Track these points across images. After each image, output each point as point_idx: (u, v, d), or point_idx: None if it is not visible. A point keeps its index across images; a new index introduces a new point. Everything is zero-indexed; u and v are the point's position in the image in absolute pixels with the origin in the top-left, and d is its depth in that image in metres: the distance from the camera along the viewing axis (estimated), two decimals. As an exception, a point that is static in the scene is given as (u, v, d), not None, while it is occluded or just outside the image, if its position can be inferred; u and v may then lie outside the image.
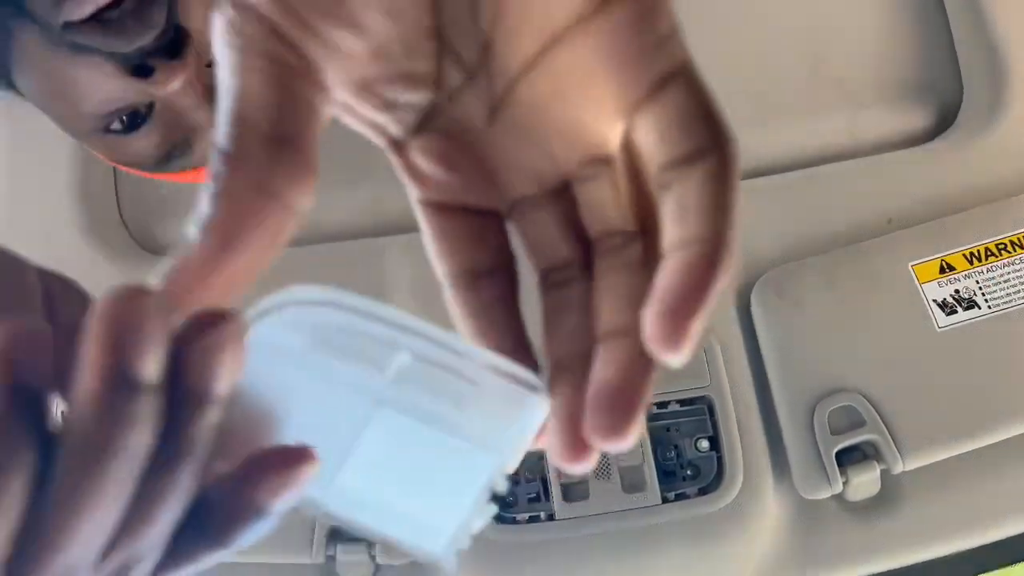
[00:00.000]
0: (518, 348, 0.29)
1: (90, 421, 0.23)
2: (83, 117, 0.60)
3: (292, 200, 0.25)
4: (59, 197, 0.90)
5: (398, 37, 0.27)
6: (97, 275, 0.90)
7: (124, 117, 0.60)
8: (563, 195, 0.29)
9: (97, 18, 0.54)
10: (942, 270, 0.87)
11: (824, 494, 0.82)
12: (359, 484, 0.28)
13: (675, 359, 0.24)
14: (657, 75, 0.26)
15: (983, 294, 0.86)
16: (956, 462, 0.82)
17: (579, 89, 0.27)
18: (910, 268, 0.87)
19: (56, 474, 0.23)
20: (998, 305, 0.86)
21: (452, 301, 0.30)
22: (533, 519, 0.80)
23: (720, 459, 0.82)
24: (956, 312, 0.86)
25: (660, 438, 0.83)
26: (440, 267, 0.30)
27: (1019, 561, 0.84)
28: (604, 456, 0.81)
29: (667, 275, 0.25)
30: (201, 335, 0.24)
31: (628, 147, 0.28)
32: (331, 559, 0.80)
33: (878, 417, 0.82)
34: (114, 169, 0.93)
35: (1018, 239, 0.88)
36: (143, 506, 0.24)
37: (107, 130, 0.61)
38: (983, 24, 0.94)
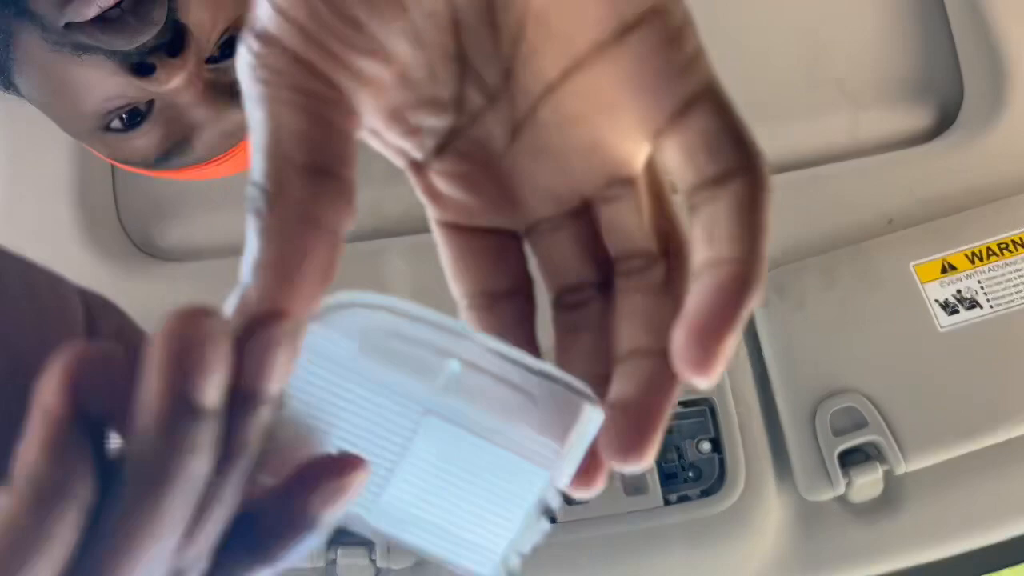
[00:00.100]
0: None
1: (152, 449, 0.22)
2: (83, 116, 0.60)
3: (338, 229, 0.25)
4: (57, 199, 0.90)
5: (423, 63, 0.27)
6: (95, 277, 0.90)
7: (124, 115, 0.60)
8: (581, 216, 0.29)
9: (98, 17, 0.54)
10: (944, 270, 0.87)
11: (826, 495, 0.81)
12: (406, 499, 0.27)
13: (704, 381, 0.24)
14: (683, 98, 0.25)
15: (985, 294, 0.86)
16: (959, 463, 0.82)
17: (603, 112, 0.27)
18: (911, 268, 0.87)
19: (116, 504, 0.22)
20: (1000, 305, 0.85)
21: (469, 322, 0.30)
22: (534, 522, 0.79)
23: (722, 461, 0.82)
24: (958, 312, 0.85)
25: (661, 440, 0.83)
26: (457, 288, 0.30)
27: (1022, 562, 0.84)
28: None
29: (697, 296, 0.24)
30: (255, 333, 0.23)
31: (651, 168, 0.28)
32: (332, 564, 0.80)
33: (880, 418, 0.81)
34: (112, 171, 0.93)
35: (1020, 238, 0.88)
36: (191, 519, 0.24)
37: (107, 128, 0.61)
38: (983, 23, 0.94)
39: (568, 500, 0.78)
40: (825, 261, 0.88)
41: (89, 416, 0.23)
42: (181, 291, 0.92)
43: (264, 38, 0.25)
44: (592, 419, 0.26)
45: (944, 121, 0.97)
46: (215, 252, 0.94)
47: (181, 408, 0.22)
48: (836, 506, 0.83)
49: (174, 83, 0.57)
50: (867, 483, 0.81)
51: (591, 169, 0.28)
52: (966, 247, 0.88)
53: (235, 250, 1.04)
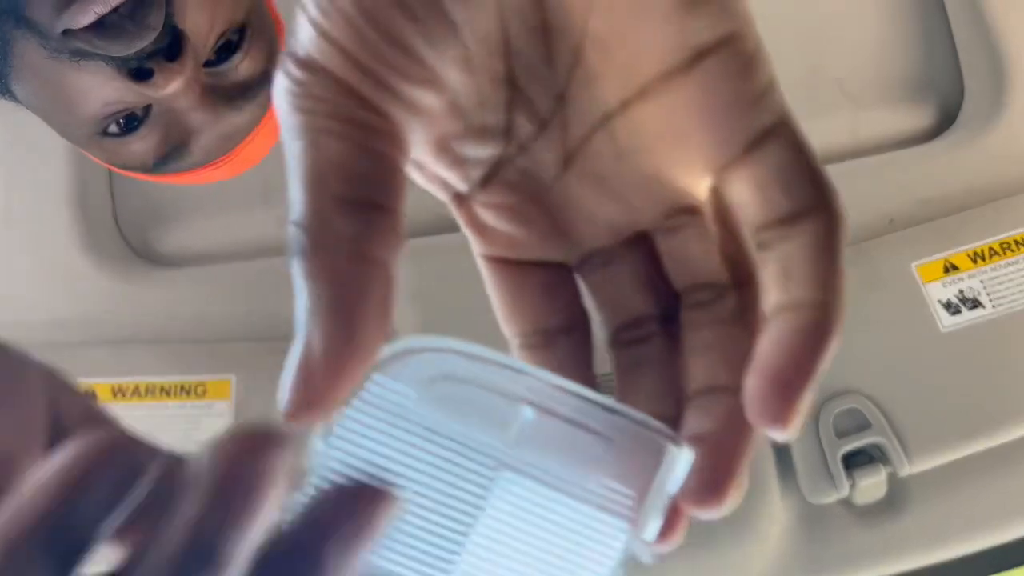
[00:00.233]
0: None
1: None
2: (81, 121, 0.60)
3: (392, 266, 0.23)
4: (54, 204, 0.89)
5: (473, 89, 0.25)
6: (92, 283, 0.90)
7: (121, 120, 0.60)
8: (638, 246, 0.28)
9: (96, 23, 0.54)
10: (946, 270, 0.87)
11: (831, 498, 0.81)
12: (482, 564, 0.24)
13: (782, 433, 0.23)
14: (755, 131, 0.24)
15: (987, 294, 0.85)
16: (963, 464, 0.81)
17: (666, 143, 0.25)
18: (913, 268, 0.87)
19: None
20: (1003, 304, 0.85)
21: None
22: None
23: (725, 463, 0.82)
24: (960, 312, 0.85)
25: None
26: (510, 327, 0.28)
27: (1028, 563, 0.84)
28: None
29: (773, 342, 0.23)
30: (248, 459, 0.20)
31: (716, 192, 0.26)
32: None
33: (883, 419, 0.81)
34: (110, 176, 0.93)
35: (1022, 237, 0.88)
36: None
37: (104, 133, 0.61)
38: (983, 22, 0.94)
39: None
40: (827, 262, 0.87)
41: (73, 530, 0.19)
42: (179, 297, 0.91)
43: (306, 64, 0.24)
44: (678, 460, 0.24)
45: (945, 121, 0.97)
46: (213, 257, 0.93)
47: (207, 555, 0.19)
48: (840, 508, 0.83)
49: (172, 88, 0.57)
50: (871, 485, 0.81)
51: (650, 199, 0.27)
52: (968, 247, 0.87)
53: (233, 255, 1.04)
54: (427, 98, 0.24)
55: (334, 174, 0.23)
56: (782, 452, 0.83)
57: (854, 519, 0.82)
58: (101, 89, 0.57)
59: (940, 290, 0.86)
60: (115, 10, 0.54)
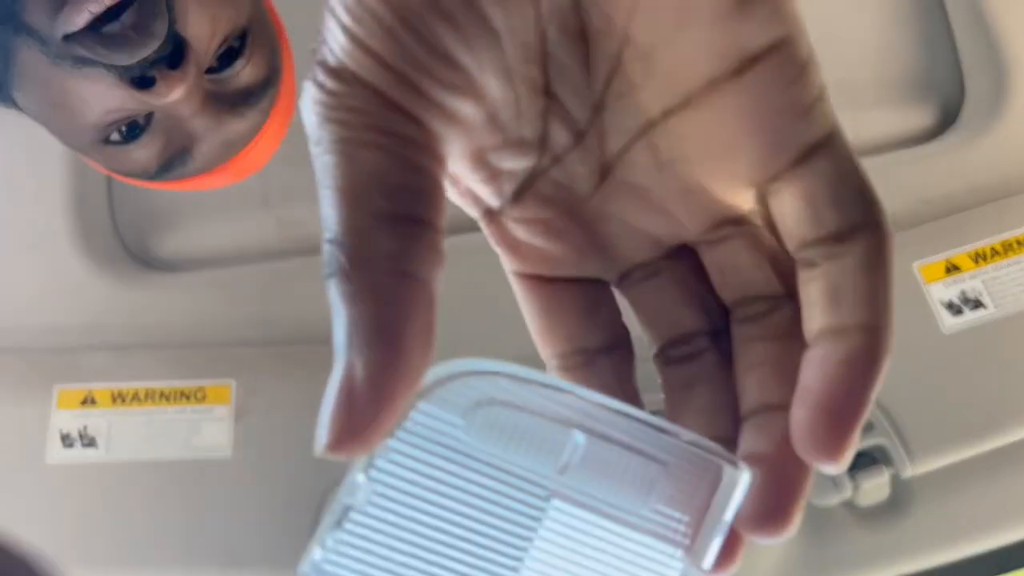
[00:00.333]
0: None
1: None
2: (83, 129, 0.60)
3: (434, 284, 0.21)
4: (52, 209, 0.89)
5: (511, 99, 0.24)
6: (90, 287, 0.89)
7: (123, 128, 0.60)
8: (681, 259, 0.26)
9: (97, 31, 0.53)
10: (947, 270, 0.86)
11: (833, 500, 0.81)
12: None
13: (835, 467, 0.21)
14: (804, 144, 0.23)
15: (990, 294, 0.85)
16: (966, 465, 0.81)
17: (712, 153, 0.24)
18: (915, 269, 0.86)
19: None
20: (1005, 305, 0.85)
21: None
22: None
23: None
24: (963, 313, 0.85)
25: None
26: (547, 348, 0.27)
27: (1031, 564, 0.83)
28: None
29: (821, 372, 0.22)
30: None
31: (763, 199, 0.25)
32: None
33: (886, 421, 0.81)
34: (108, 180, 0.92)
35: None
36: None
37: (106, 141, 0.60)
38: (983, 22, 0.93)
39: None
40: (828, 263, 0.87)
41: None
42: (179, 301, 0.91)
43: (338, 73, 0.22)
44: (736, 483, 0.23)
45: (945, 120, 0.97)
46: (212, 262, 0.93)
47: None
48: (843, 510, 0.82)
49: (175, 95, 0.56)
50: (874, 487, 0.80)
51: (694, 211, 0.25)
52: (970, 247, 0.87)
53: (231, 260, 1.04)
54: (466, 108, 0.23)
55: (373, 188, 0.22)
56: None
57: (857, 521, 0.82)
58: (103, 97, 0.57)
59: (942, 290, 0.86)
60: (116, 18, 0.53)
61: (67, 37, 0.54)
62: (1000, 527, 0.81)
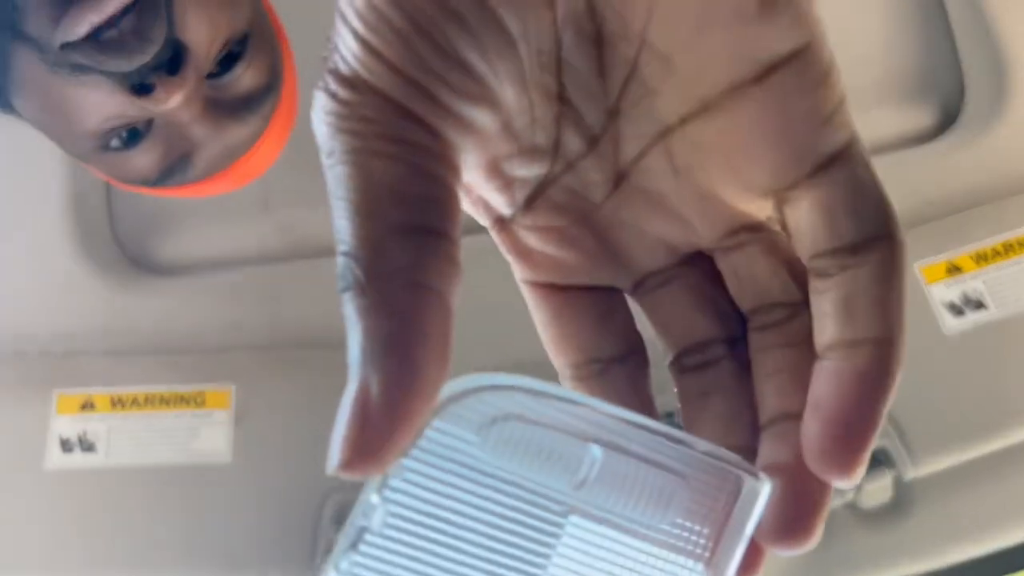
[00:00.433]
0: None
1: None
2: (83, 136, 0.59)
3: (451, 298, 0.21)
4: (51, 213, 0.89)
5: (526, 107, 0.23)
6: (89, 292, 0.89)
7: (123, 134, 0.59)
8: (696, 266, 0.26)
9: (96, 37, 0.53)
10: (949, 271, 0.86)
11: (835, 502, 0.81)
12: None
13: (847, 483, 0.21)
14: (823, 153, 0.22)
15: (991, 294, 0.85)
16: (969, 467, 0.81)
17: (729, 160, 0.24)
18: (916, 269, 0.86)
19: None
20: (1007, 305, 0.85)
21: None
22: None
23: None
24: (964, 314, 0.85)
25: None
26: (559, 358, 0.27)
27: (1034, 565, 0.83)
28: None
29: (833, 386, 0.22)
30: None
31: (780, 212, 0.25)
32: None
33: (888, 423, 0.81)
34: (106, 186, 0.92)
35: (1025, 238, 0.88)
36: None
37: (106, 148, 0.60)
38: (983, 22, 0.93)
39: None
40: (829, 264, 0.87)
41: None
42: (178, 306, 0.91)
43: (351, 82, 0.22)
44: (756, 494, 0.23)
45: (946, 120, 0.97)
46: (210, 266, 0.93)
47: None
48: (845, 512, 0.82)
49: (174, 101, 0.56)
50: (876, 488, 0.80)
51: (709, 218, 0.25)
52: (971, 247, 0.87)
53: (232, 263, 1.04)
54: (482, 116, 0.23)
55: (387, 200, 0.21)
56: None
57: (859, 522, 0.82)
58: (102, 104, 0.57)
59: (943, 291, 0.85)
60: (114, 24, 0.53)
61: (65, 45, 0.53)
62: (1002, 528, 0.81)
